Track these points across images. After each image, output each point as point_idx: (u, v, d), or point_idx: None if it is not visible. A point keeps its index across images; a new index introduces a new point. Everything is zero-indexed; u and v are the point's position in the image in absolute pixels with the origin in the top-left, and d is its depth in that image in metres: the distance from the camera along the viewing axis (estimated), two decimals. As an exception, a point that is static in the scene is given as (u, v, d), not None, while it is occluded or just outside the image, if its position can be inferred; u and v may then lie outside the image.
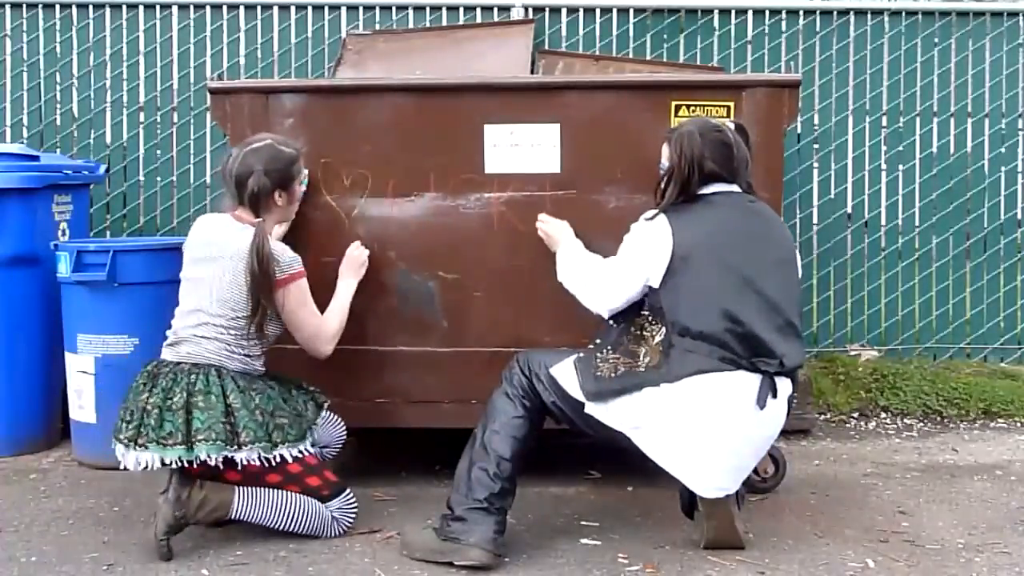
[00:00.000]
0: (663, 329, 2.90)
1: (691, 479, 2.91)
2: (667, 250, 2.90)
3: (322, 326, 3.20)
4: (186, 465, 2.93)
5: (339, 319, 3.26)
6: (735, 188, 3.02)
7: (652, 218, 2.97)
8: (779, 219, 3.14)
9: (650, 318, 2.94)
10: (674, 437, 2.86)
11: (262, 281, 3.01)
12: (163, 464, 2.94)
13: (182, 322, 3.11)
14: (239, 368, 3.06)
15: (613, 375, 2.92)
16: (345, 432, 3.36)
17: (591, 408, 2.95)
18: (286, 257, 3.08)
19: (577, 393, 2.96)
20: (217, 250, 3.08)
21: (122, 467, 2.99)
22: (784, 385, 2.92)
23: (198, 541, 3.07)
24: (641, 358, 2.92)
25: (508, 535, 2.96)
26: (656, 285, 2.92)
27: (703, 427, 2.84)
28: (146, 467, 2.94)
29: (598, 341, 3.02)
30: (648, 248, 2.94)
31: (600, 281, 3.05)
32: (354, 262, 3.38)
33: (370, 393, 3.51)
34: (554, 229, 3.32)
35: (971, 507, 3.47)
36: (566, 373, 2.99)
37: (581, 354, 3.02)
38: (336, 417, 3.34)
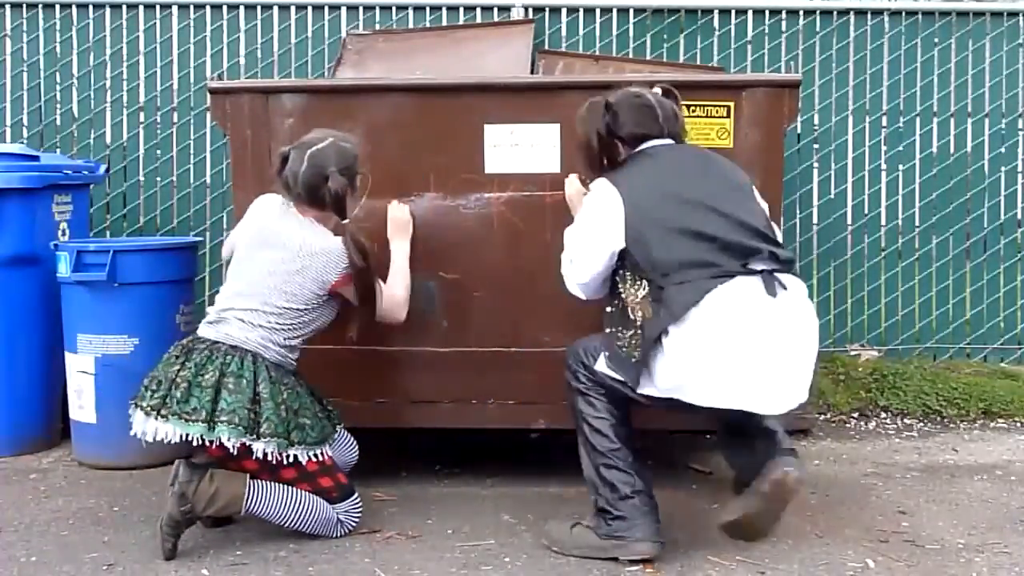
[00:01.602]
0: (644, 282, 2.84)
1: (748, 401, 2.76)
2: (619, 208, 2.86)
3: (391, 296, 3.23)
4: (206, 445, 2.91)
5: (403, 283, 3.28)
6: (670, 141, 3.00)
7: (593, 186, 2.95)
8: (728, 160, 3.09)
9: (628, 277, 2.88)
10: (710, 369, 2.75)
11: (363, 272, 3.08)
12: (182, 440, 2.89)
13: (228, 303, 3.09)
14: (274, 359, 3.05)
15: (636, 353, 2.85)
16: (356, 457, 3.33)
17: (643, 390, 2.89)
18: (343, 261, 3.07)
19: (625, 385, 2.92)
20: (275, 238, 3.08)
21: (137, 435, 2.95)
22: (791, 281, 2.81)
23: (198, 541, 3.07)
24: (636, 319, 2.85)
25: (508, 535, 2.96)
26: (623, 244, 2.86)
27: (728, 341, 2.73)
28: (164, 439, 2.90)
29: (609, 329, 2.96)
30: (599, 215, 2.90)
31: (567, 260, 3.02)
32: (400, 223, 3.39)
33: (370, 393, 3.51)
34: (576, 196, 3.20)
35: (971, 507, 3.47)
36: (608, 371, 2.94)
37: (606, 353, 2.95)
38: (351, 441, 3.33)
